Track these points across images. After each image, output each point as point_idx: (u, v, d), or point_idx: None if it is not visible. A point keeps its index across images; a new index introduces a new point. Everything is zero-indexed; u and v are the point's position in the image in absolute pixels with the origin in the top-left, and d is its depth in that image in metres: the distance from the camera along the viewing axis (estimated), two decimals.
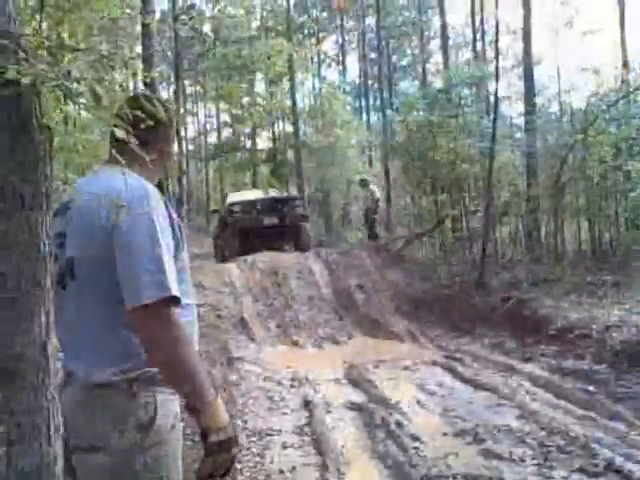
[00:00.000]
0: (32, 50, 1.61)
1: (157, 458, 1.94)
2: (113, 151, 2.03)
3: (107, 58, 1.87)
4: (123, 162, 1.97)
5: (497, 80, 14.71)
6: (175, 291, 1.89)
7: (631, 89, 14.42)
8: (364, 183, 19.69)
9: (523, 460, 4.89)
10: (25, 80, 1.53)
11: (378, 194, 19.59)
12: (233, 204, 16.24)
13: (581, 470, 4.62)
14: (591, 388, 6.84)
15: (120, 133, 1.71)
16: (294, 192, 19.96)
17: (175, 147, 2.39)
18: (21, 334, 1.54)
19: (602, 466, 4.62)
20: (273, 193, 18.14)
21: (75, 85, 1.73)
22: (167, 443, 1.97)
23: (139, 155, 2.03)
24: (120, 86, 1.81)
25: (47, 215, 1.63)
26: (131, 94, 2.26)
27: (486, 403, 6.57)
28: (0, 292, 1.55)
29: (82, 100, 1.71)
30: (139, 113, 1.89)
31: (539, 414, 5.99)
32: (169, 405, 2.00)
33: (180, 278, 2.03)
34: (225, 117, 40.05)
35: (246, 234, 15.64)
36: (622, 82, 15.55)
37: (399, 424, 5.88)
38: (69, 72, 1.73)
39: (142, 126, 1.90)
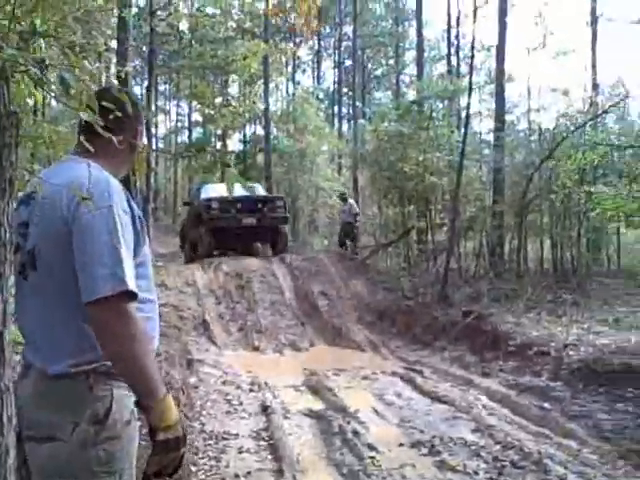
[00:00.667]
0: (3, 35, 1.58)
1: (111, 452, 1.91)
2: (82, 140, 2.00)
3: (80, 47, 1.84)
4: (92, 150, 1.95)
5: (470, 95, 14.86)
6: (132, 286, 1.86)
7: (599, 112, 14.65)
8: (343, 197, 19.83)
9: (477, 473, 4.91)
10: None
11: (357, 209, 19.68)
12: (211, 200, 15.62)
13: None
14: (547, 405, 6.89)
15: (85, 117, 1.68)
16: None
17: (143, 142, 2.36)
18: None
19: None
20: (260, 191, 17.85)
21: (44, 72, 1.70)
22: (122, 438, 1.95)
23: (105, 149, 2.01)
24: (91, 77, 1.77)
25: (10, 203, 1.59)
26: (101, 86, 2.23)
27: (443, 415, 6.59)
28: None
29: (52, 88, 1.67)
30: (108, 104, 1.86)
31: (494, 428, 6.03)
32: (126, 400, 1.97)
33: (141, 273, 2.01)
34: (197, 116, 39.95)
35: (222, 232, 15.29)
36: (590, 105, 15.81)
37: (356, 433, 5.87)
38: (43, 60, 1.70)
39: (110, 117, 1.87)
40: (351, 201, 19.74)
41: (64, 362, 1.92)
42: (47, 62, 1.72)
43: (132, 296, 1.86)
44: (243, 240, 15.78)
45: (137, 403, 1.93)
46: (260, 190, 18.32)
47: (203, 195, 16.81)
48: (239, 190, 16.64)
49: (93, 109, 1.72)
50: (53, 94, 1.74)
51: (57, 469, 1.87)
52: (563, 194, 13.86)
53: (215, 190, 17.06)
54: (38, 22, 1.86)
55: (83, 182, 1.89)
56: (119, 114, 1.95)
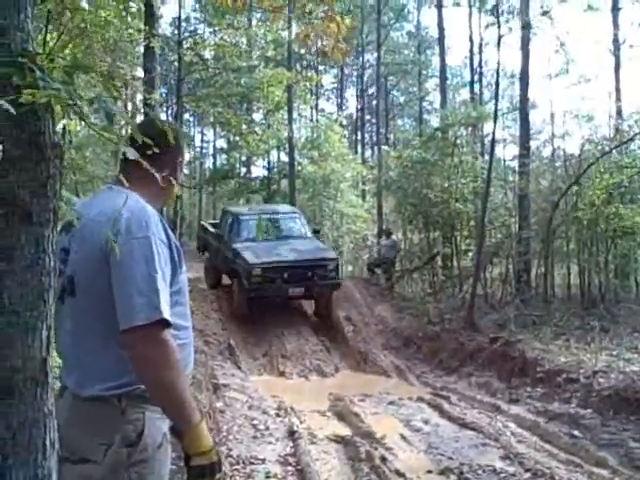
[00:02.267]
0: (49, 69, 1.64)
1: (143, 475, 1.93)
2: (121, 172, 2.05)
3: (110, 77, 1.89)
4: (129, 182, 2.00)
5: (495, 121, 14.85)
6: (167, 314, 1.90)
7: (624, 139, 14.57)
8: (388, 232, 19.14)
9: None
10: (40, 100, 1.55)
11: (400, 246, 19.30)
12: (253, 266, 12.66)
13: None
14: (577, 433, 6.81)
15: (132, 153, 1.72)
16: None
17: (182, 174, 2.41)
18: (22, 348, 1.54)
19: None
20: (307, 231, 14.92)
21: (86, 105, 1.75)
22: (154, 461, 1.97)
23: (145, 180, 2.05)
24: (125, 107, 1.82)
25: (54, 232, 1.64)
26: (142, 117, 2.28)
27: (471, 442, 6.54)
28: (4, 305, 1.55)
29: (94, 120, 1.72)
30: (150, 138, 1.91)
31: (524, 456, 5.97)
32: (158, 424, 2.00)
33: (177, 301, 2.05)
34: (221, 143, 40.29)
35: (260, 299, 13.08)
36: (616, 131, 15.74)
37: (384, 459, 5.84)
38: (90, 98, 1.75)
39: (155, 151, 1.92)
40: (395, 237, 19.28)
41: (98, 385, 1.96)
42: (90, 95, 1.76)
43: (167, 324, 1.90)
44: (282, 307, 13.55)
45: (172, 429, 1.96)
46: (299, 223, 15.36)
47: (233, 230, 14.16)
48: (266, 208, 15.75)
49: (136, 140, 1.77)
50: (96, 127, 1.79)
51: None
52: (590, 213, 13.73)
53: (249, 226, 14.15)
54: (80, 55, 1.91)
55: (121, 212, 1.95)
56: (159, 149, 1.99)
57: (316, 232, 15.88)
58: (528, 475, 5.43)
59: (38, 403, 1.55)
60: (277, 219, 14.87)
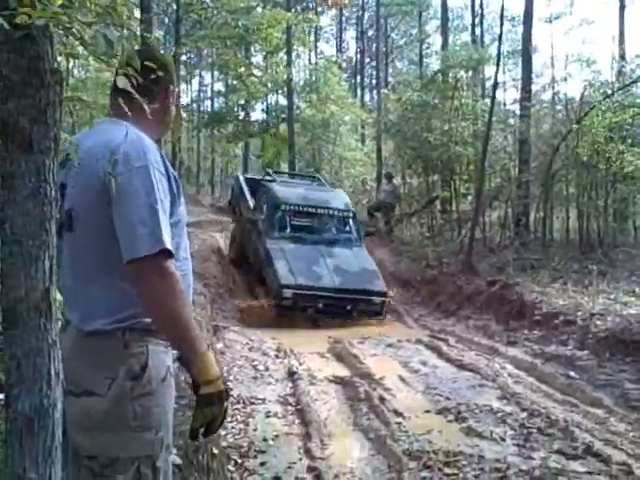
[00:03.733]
0: None
1: (147, 407, 1.94)
2: (117, 102, 2.01)
3: (109, 9, 1.83)
4: (127, 112, 1.96)
5: (498, 63, 14.68)
6: (169, 245, 1.90)
7: (627, 81, 14.40)
8: (389, 176, 18.82)
9: (503, 439, 4.94)
10: (38, 22, 1.50)
11: (400, 190, 19.00)
12: (283, 287, 10.58)
13: (560, 452, 4.66)
14: (573, 374, 6.89)
15: (122, 82, 1.69)
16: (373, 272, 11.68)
17: (178, 102, 2.37)
18: (25, 278, 1.52)
19: (581, 449, 4.66)
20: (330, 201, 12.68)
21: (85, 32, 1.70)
22: (158, 394, 1.98)
23: (140, 111, 2.01)
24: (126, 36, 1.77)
25: (55, 160, 1.61)
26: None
27: (469, 383, 6.62)
28: (6, 235, 1.53)
29: (95, 46, 1.68)
30: (150, 63, 1.86)
31: (521, 396, 6.05)
32: (162, 357, 2.01)
33: (177, 233, 2.04)
34: (219, 86, 39.80)
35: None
36: (619, 74, 15.55)
37: (382, 399, 5.92)
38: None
39: (151, 76, 1.87)
40: (395, 182, 18.88)
41: (100, 319, 1.96)
42: (89, 21, 1.72)
43: (170, 254, 1.90)
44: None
45: (179, 359, 1.97)
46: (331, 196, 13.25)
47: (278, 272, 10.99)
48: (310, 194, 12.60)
49: (135, 67, 1.73)
50: (95, 53, 1.74)
51: (94, 423, 1.91)
52: (591, 152, 13.64)
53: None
54: None
55: (119, 143, 1.92)
56: (161, 73, 1.95)
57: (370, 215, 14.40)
58: (524, 415, 5.50)
59: (42, 333, 1.54)
60: (325, 215, 12.35)
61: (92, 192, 1.95)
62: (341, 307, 10.77)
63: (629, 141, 14.09)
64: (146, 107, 1.95)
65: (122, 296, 1.95)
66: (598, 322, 8.05)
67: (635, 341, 7.24)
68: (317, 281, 10.85)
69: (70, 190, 2.02)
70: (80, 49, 2.01)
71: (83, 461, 1.91)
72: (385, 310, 11.09)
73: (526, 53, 17.71)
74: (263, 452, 4.64)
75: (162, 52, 2.34)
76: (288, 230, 11.90)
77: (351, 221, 12.62)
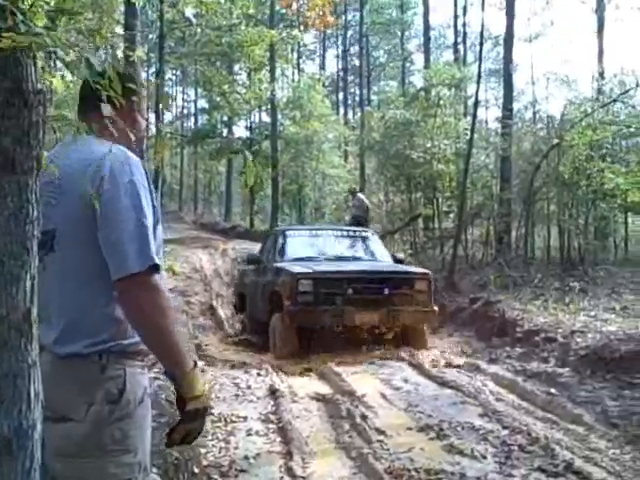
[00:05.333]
0: (32, 13, 1.60)
1: (126, 430, 1.93)
2: (90, 121, 2.00)
3: (89, 32, 1.86)
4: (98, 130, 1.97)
5: (479, 82, 14.82)
6: (157, 260, 1.90)
7: (607, 101, 14.60)
8: (353, 191, 18.60)
9: (485, 457, 4.94)
10: (21, 44, 1.52)
11: (367, 202, 18.47)
12: (301, 276, 8.90)
13: (541, 470, 4.67)
14: (554, 391, 6.91)
15: (107, 110, 1.71)
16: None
17: (143, 117, 2.33)
18: (6, 297, 1.52)
19: (562, 467, 4.68)
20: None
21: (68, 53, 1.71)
22: (136, 416, 1.97)
23: (106, 127, 1.98)
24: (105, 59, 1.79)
25: (37, 181, 1.61)
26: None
27: (451, 400, 6.62)
28: None
29: (79, 69, 1.69)
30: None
31: (502, 414, 6.05)
32: (139, 378, 2.00)
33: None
34: (203, 103, 39.90)
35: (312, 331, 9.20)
36: (599, 93, 15.75)
37: (364, 417, 5.90)
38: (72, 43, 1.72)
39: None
40: (361, 195, 18.52)
41: (77, 343, 1.93)
42: (71, 42, 1.73)
43: (157, 269, 1.90)
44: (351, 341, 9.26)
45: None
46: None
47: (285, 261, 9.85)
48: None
49: (116, 91, 1.74)
50: (78, 73, 1.75)
51: (72, 449, 1.89)
52: (571, 169, 13.78)
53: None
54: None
55: (102, 158, 1.91)
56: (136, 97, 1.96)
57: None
58: (506, 432, 5.51)
59: (23, 353, 1.54)
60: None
61: (76, 209, 1.93)
62: (376, 292, 8.94)
63: (609, 160, 14.26)
64: (107, 120, 1.93)
65: (99, 318, 1.94)
66: (579, 339, 8.11)
67: (615, 358, 7.30)
68: (342, 268, 9.40)
69: (50, 209, 1.95)
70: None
71: None
72: (433, 301, 9.42)
73: (507, 72, 17.94)
74: (244, 471, 4.62)
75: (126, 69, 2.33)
76: (297, 253, 10.18)
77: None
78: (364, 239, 10.99)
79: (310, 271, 8.93)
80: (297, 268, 9.04)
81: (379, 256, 10.54)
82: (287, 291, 8.86)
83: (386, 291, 8.89)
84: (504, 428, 5.60)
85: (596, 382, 7.04)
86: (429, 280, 9.37)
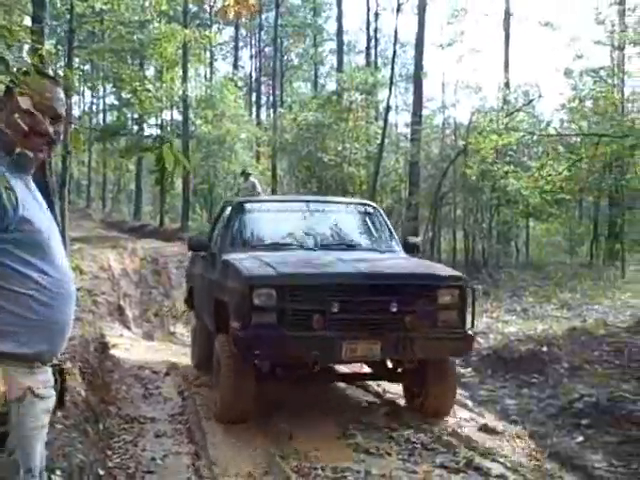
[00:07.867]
0: None
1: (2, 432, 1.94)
2: None
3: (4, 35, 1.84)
4: None
5: (391, 87, 15.11)
6: None
7: (512, 109, 15.15)
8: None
9: (389, 454, 5.07)
10: None
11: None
12: (256, 280, 5.47)
13: (443, 466, 4.83)
14: (457, 391, 7.12)
15: (26, 104, 1.69)
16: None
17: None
18: None
19: (462, 463, 4.84)
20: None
21: None
22: (15, 416, 1.96)
23: None
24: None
25: None
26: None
27: (357, 401, 6.74)
28: None
29: None
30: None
31: (407, 414, 6.20)
32: (18, 378, 1.99)
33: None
34: (112, 100, 39.10)
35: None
36: (504, 102, 16.32)
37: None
38: None
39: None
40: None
41: None
42: None
43: None
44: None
45: None
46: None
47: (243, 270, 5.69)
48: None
49: (34, 89, 1.73)
50: None
51: None
52: (478, 172, 14.20)
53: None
54: None
55: None
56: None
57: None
58: (410, 431, 5.65)
59: None
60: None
61: None
62: (378, 307, 5.59)
63: (511, 167, 14.80)
64: None
65: None
66: (481, 340, 8.38)
67: (514, 358, 7.59)
68: (324, 268, 5.86)
69: None
70: None
71: None
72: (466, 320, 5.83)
73: (417, 78, 18.32)
74: (151, 472, 4.59)
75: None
76: (259, 238, 6.84)
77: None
78: (363, 216, 7.51)
79: (272, 274, 5.54)
80: (252, 268, 5.72)
81: (384, 243, 7.18)
82: (235, 305, 5.62)
83: (394, 306, 5.56)
84: (408, 428, 5.73)
85: (497, 382, 7.31)
86: (462, 288, 5.87)
